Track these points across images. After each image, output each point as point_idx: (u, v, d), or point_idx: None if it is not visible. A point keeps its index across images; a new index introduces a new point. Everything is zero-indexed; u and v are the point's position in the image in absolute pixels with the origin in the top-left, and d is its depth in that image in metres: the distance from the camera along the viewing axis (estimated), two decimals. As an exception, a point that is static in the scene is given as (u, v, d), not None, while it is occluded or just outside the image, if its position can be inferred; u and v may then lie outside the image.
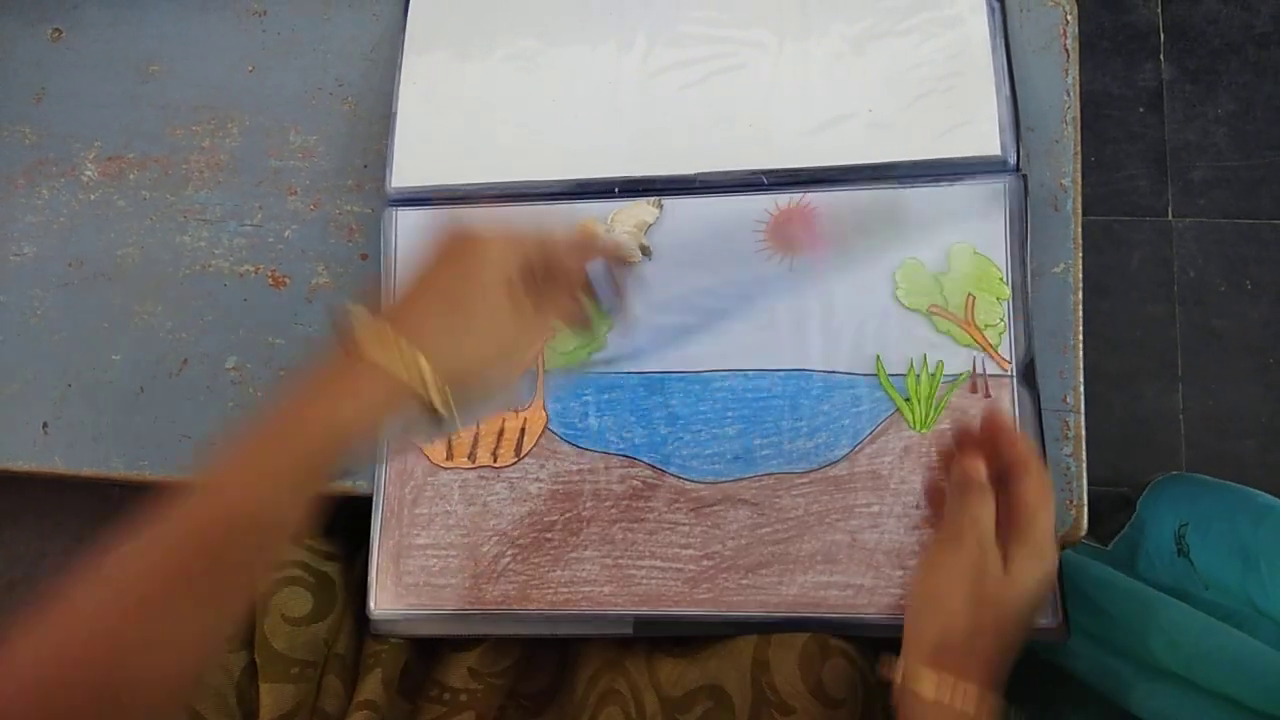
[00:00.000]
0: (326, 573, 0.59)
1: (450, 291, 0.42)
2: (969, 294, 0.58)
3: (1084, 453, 0.57)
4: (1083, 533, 0.56)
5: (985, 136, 0.59)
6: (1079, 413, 0.58)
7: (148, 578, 0.36)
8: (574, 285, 0.48)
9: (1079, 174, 0.61)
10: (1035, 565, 0.45)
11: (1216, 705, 0.53)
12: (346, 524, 0.65)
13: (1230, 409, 1.14)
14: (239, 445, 0.39)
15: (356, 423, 0.40)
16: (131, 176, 0.70)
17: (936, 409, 0.57)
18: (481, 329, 0.42)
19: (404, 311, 0.42)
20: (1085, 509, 0.56)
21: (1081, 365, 0.58)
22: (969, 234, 0.59)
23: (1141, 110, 1.21)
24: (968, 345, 0.57)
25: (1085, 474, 0.57)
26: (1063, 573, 0.53)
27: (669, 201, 0.61)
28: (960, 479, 0.47)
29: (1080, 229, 0.60)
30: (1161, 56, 1.21)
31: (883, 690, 0.53)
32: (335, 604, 0.59)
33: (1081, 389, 0.58)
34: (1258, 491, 0.72)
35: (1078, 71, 0.62)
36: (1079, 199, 0.60)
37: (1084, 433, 0.57)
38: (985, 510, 0.46)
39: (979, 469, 0.47)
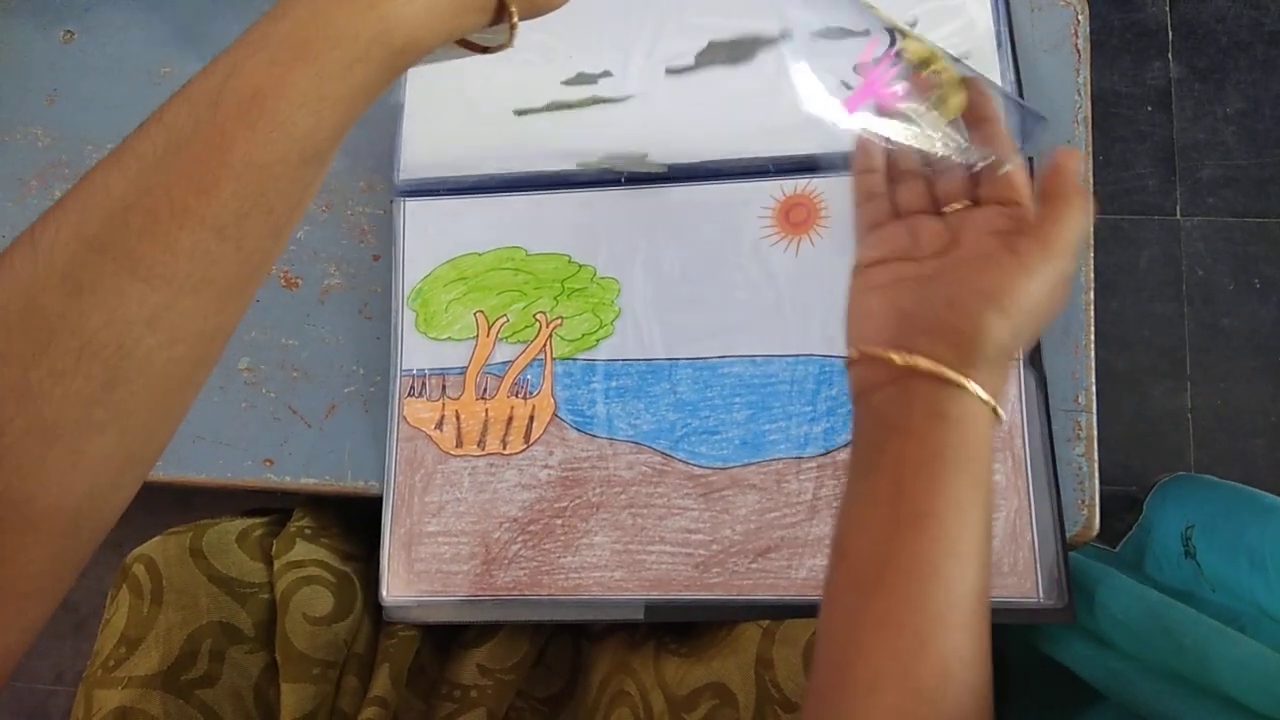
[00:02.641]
0: (347, 572, 0.60)
1: None
2: None
3: (1096, 453, 0.57)
4: (1094, 532, 0.57)
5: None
6: (1090, 413, 0.58)
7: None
8: None
9: (1090, 174, 0.61)
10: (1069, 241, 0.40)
11: (1223, 708, 0.54)
12: (366, 524, 0.65)
13: (1239, 408, 1.14)
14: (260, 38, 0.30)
15: (396, 30, 0.31)
16: (144, 178, 0.70)
17: None
18: None
19: None
20: (1097, 509, 0.57)
21: (1093, 366, 0.58)
22: None
23: (1150, 109, 1.21)
24: None
25: (1098, 474, 0.57)
26: (1067, 557, 0.54)
27: (675, 190, 0.62)
28: (1068, 186, 0.40)
29: (1092, 230, 0.60)
30: (1170, 55, 1.21)
31: None
32: (355, 604, 0.59)
33: (1093, 389, 0.58)
34: (1263, 493, 0.72)
35: (1089, 72, 0.62)
36: (1091, 199, 0.60)
37: (1096, 433, 0.58)
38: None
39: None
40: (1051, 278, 0.39)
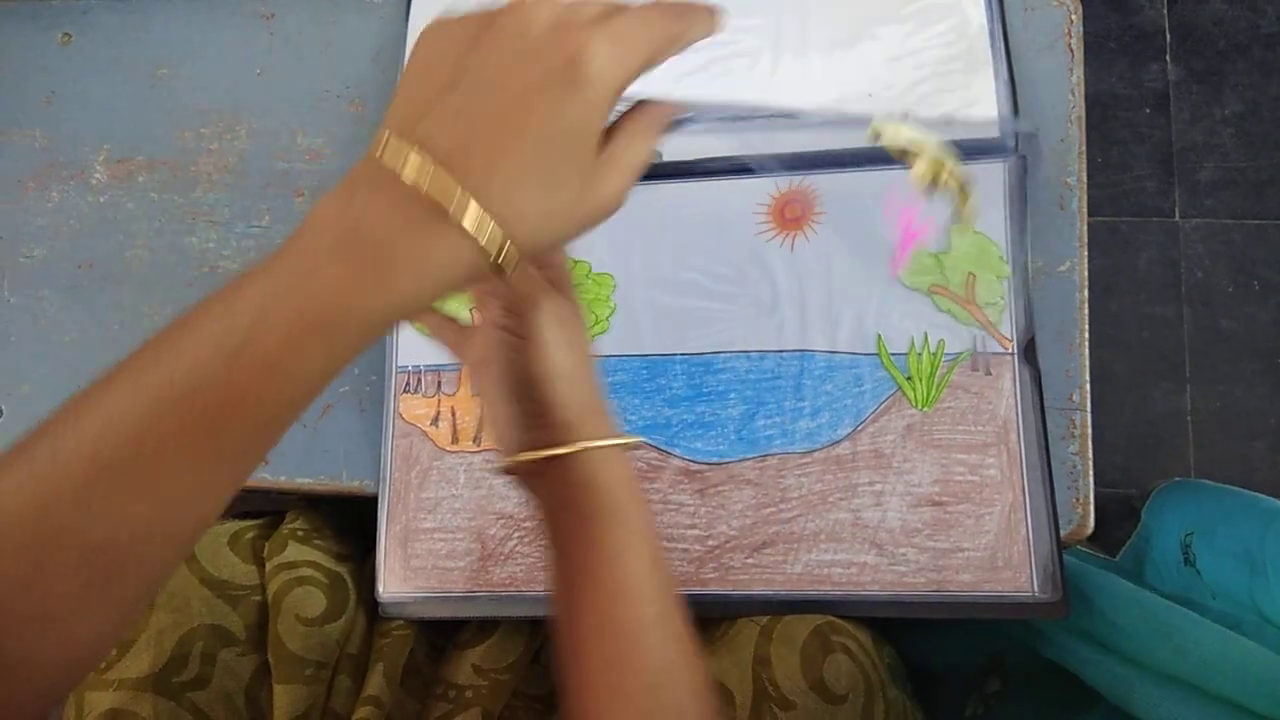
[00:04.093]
0: (340, 573, 0.60)
1: (545, 143, 0.30)
2: (969, 273, 0.58)
3: (1090, 451, 0.57)
4: (1089, 531, 0.56)
5: (984, 120, 0.59)
6: (1085, 411, 0.58)
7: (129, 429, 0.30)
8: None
9: (1084, 173, 0.61)
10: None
11: (1223, 711, 0.53)
12: (359, 525, 0.65)
13: (1238, 410, 1.14)
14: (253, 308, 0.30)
15: (408, 305, 0.31)
16: (140, 179, 0.71)
17: (938, 388, 0.57)
18: (573, 192, 0.32)
19: (485, 163, 0.30)
20: (1092, 507, 0.56)
21: (1088, 364, 0.58)
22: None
23: (1148, 111, 1.21)
24: (969, 324, 0.58)
25: (1092, 472, 0.57)
26: (1061, 552, 0.54)
27: (671, 186, 0.62)
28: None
29: (1086, 228, 0.60)
30: (1168, 57, 1.21)
31: (883, 685, 0.53)
32: (348, 604, 0.59)
33: (1088, 387, 0.58)
34: (1262, 496, 0.71)
35: (1082, 71, 0.62)
36: (1084, 198, 0.60)
37: (1090, 431, 0.57)
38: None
39: None
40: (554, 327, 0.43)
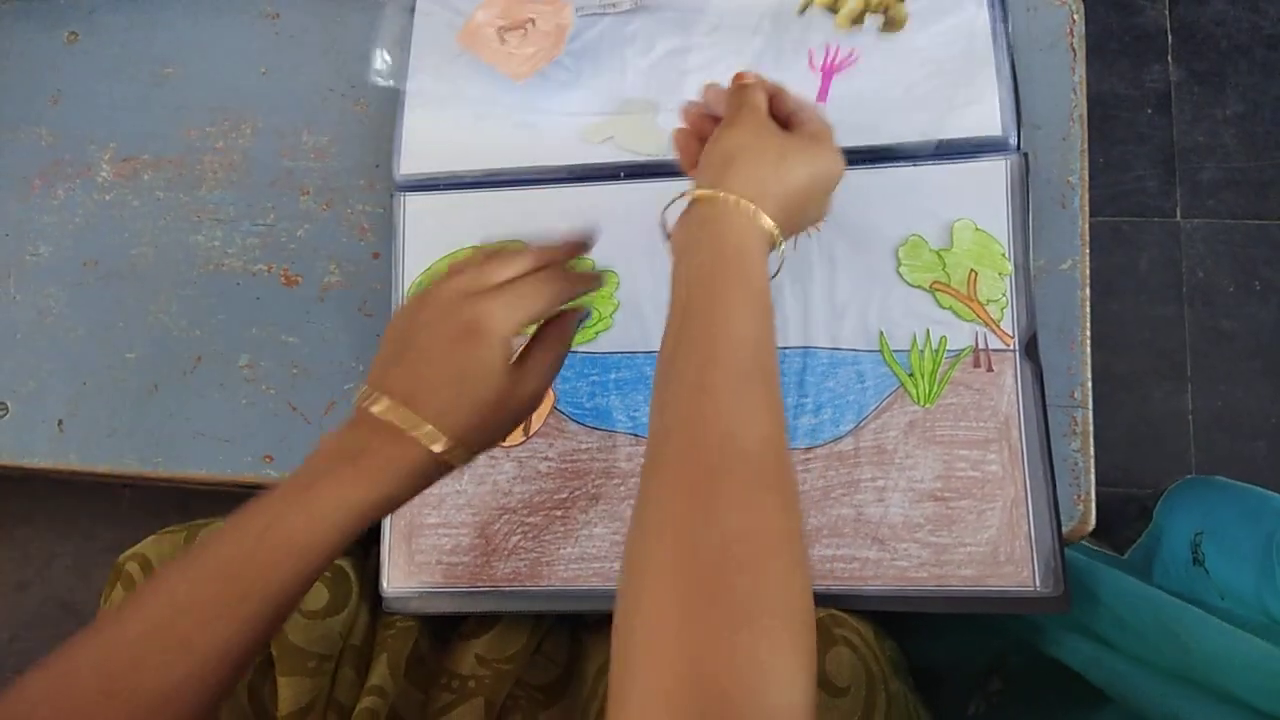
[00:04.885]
0: (342, 567, 0.60)
1: (462, 380, 0.43)
2: (971, 270, 0.58)
3: (1092, 448, 0.57)
4: (1090, 528, 0.57)
5: (987, 117, 0.60)
6: (1087, 409, 0.58)
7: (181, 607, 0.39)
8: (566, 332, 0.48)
9: (1086, 171, 0.61)
10: (816, 138, 0.49)
11: (1228, 709, 0.53)
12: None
13: (1239, 410, 1.14)
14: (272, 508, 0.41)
15: (392, 496, 0.43)
16: (146, 177, 0.71)
17: (940, 384, 0.57)
18: (494, 403, 0.44)
19: (427, 399, 0.43)
20: (1093, 504, 0.57)
21: (1089, 362, 0.58)
22: (971, 211, 0.59)
23: (1150, 111, 1.21)
24: (970, 320, 0.58)
25: (1093, 470, 0.57)
26: (1063, 547, 0.54)
27: (674, 184, 0.62)
28: (734, 86, 0.51)
29: (1087, 226, 0.60)
30: (1170, 58, 1.21)
31: (885, 678, 0.53)
32: (351, 597, 0.59)
33: (1089, 385, 0.58)
34: (1274, 495, 0.71)
35: (1084, 70, 0.62)
36: (1086, 196, 0.61)
37: (1092, 429, 0.58)
38: (759, 96, 0.50)
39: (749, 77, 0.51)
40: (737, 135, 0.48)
